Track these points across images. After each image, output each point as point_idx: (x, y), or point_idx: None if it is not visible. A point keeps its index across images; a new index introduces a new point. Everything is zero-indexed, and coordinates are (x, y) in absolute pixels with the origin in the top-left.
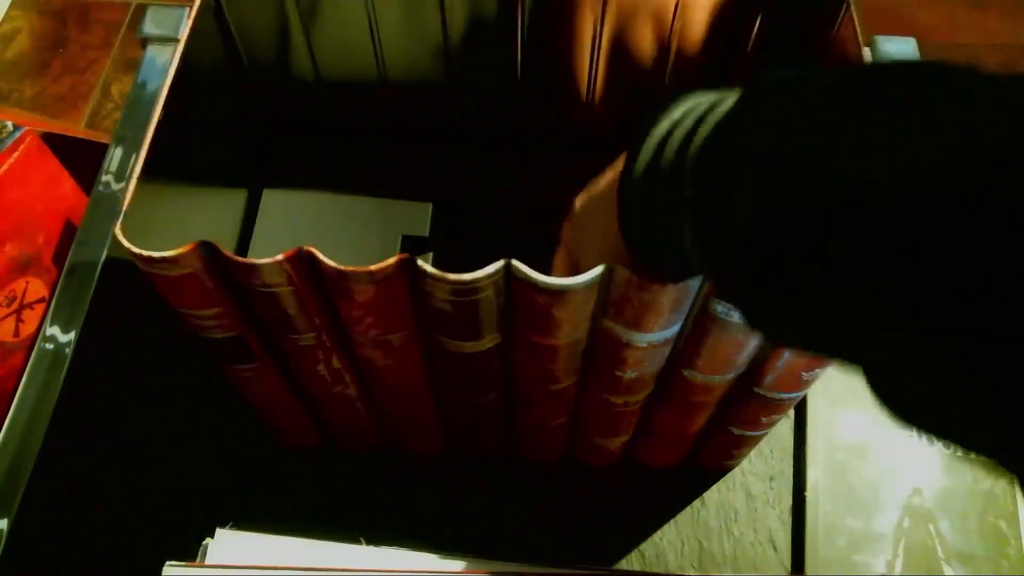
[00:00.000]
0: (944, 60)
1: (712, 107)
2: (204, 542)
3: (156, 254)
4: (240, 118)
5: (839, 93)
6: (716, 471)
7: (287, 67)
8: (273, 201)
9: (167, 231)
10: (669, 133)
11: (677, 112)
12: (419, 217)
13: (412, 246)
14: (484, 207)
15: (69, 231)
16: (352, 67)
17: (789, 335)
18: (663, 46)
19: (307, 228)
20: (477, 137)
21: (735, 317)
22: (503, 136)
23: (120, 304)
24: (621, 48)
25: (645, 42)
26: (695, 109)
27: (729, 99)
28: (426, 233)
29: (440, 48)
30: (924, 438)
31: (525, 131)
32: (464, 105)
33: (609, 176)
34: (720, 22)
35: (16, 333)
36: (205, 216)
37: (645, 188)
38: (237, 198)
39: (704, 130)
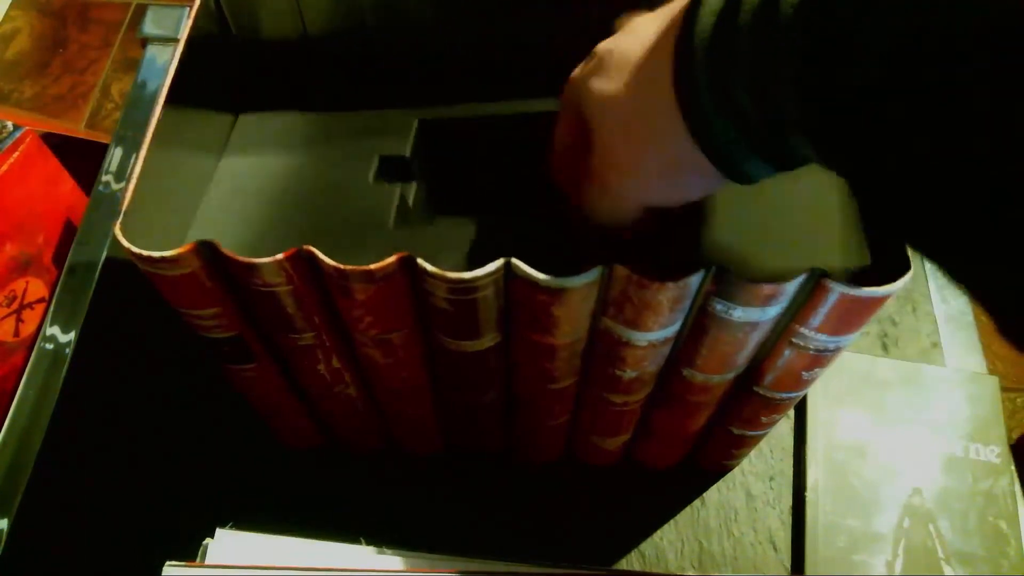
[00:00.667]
0: None
1: None
2: (204, 542)
3: (155, 254)
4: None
5: None
6: (716, 471)
7: (286, 65)
8: (246, 126)
9: (167, 231)
10: None
11: None
12: (403, 130)
13: (393, 168)
14: (475, 134)
15: (69, 231)
16: (350, 62)
17: (924, 215)
18: None
19: (281, 150)
20: (469, 70)
21: (734, 315)
22: (496, 67)
23: (120, 304)
24: None
25: None
26: None
27: None
28: (407, 151)
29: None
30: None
31: (520, 62)
32: (457, 38)
33: (649, 27)
34: None
35: (16, 333)
36: (206, 215)
37: (718, 43)
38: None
39: None
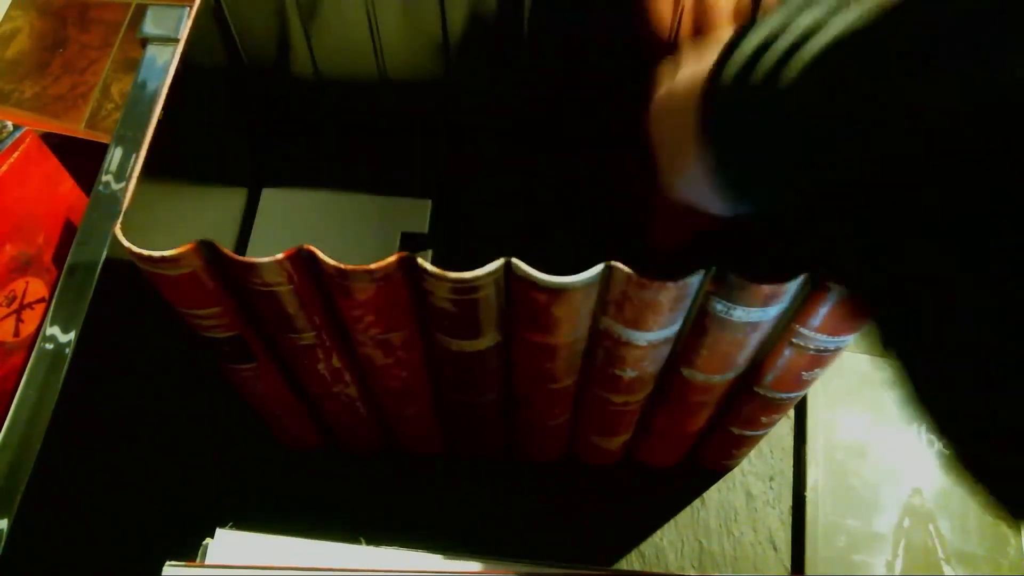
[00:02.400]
0: None
1: (829, 16)
2: (204, 542)
3: (156, 253)
4: (240, 118)
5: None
6: (716, 471)
7: (287, 66)
8: (272, 200)
9: (167, 231)
10: (765, 45)
11: (773, 22)
12: (418, 214)
13: (412, 243)
14: (485, 205)
15: (69, 231)
16: (352, 65)
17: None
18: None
19: (305, 226)
20: (478, 134)
21: (734, 316)
22: (504, 133)
23: (120, 304)
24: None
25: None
26: (800, 22)
27: (848, 15)
28: (425, 230)
29: (440, 44)
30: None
31: (526, 128)
32: (464, 102)
33: (687, 76)
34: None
35: (16, 333)
36: (205, 215)
37: (734, 99)
38: (237, 197)
39: (820, 42)
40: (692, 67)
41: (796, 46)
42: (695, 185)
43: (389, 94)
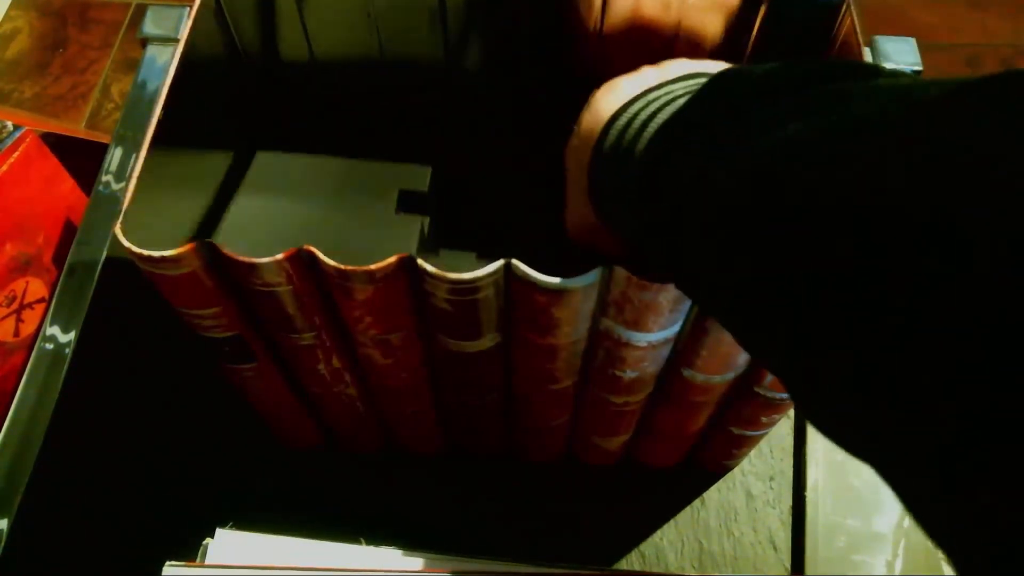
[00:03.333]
0: (859, 66)
1: (670, 102)
2: (204, 542)
3: (156, 253)
4: (240, 117)
5: (764, 96)
6: (716, 471)
7: (287, 66)
8: (264, 162)
9: (167, 231)
10: (636, 114)
11: (651, 95)
12: (418, 180)
13: (411, 206)
14: (484, 181)
15: (69, 231)
16: (353, 65)
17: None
18: (667, 40)
19: (298, 191)
20: (477, 111)
21: None
22: (503, 110)
23: (120, 304)
24: (629, 35)
25: (652, 31)
26: (657, 100)
27: (679, 99)
28: (425, 188)
29: (440, 44)
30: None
31: (525, 104)
32: (463, 80)
33: (586, 126)
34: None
35: (16, 333)
36: (205, 215)
37: (607, 160)
38: None
39: (653, 124)
40: (591, 116)
41: (651, 117)
42: (584, 209)
43: (390, 92)
